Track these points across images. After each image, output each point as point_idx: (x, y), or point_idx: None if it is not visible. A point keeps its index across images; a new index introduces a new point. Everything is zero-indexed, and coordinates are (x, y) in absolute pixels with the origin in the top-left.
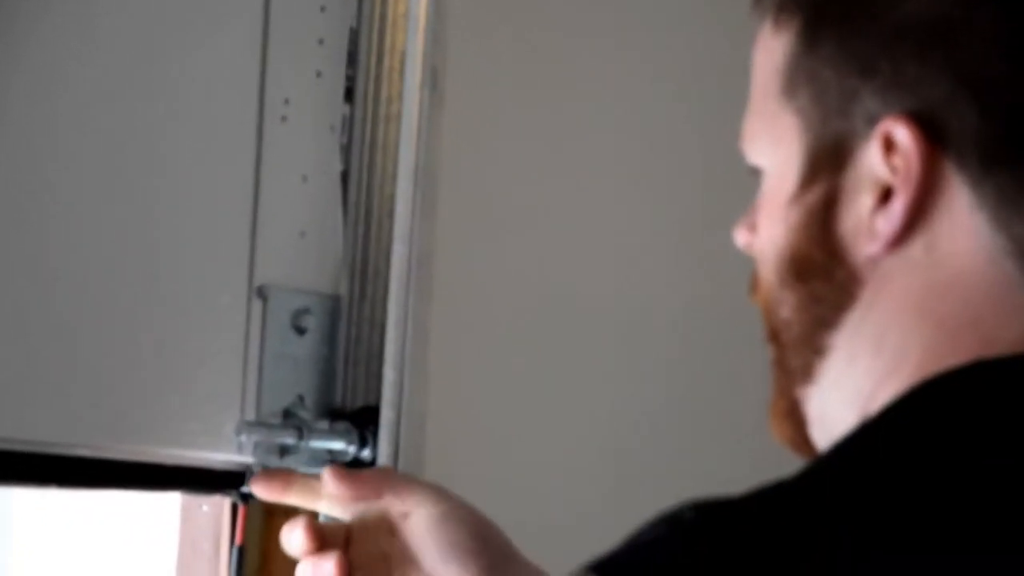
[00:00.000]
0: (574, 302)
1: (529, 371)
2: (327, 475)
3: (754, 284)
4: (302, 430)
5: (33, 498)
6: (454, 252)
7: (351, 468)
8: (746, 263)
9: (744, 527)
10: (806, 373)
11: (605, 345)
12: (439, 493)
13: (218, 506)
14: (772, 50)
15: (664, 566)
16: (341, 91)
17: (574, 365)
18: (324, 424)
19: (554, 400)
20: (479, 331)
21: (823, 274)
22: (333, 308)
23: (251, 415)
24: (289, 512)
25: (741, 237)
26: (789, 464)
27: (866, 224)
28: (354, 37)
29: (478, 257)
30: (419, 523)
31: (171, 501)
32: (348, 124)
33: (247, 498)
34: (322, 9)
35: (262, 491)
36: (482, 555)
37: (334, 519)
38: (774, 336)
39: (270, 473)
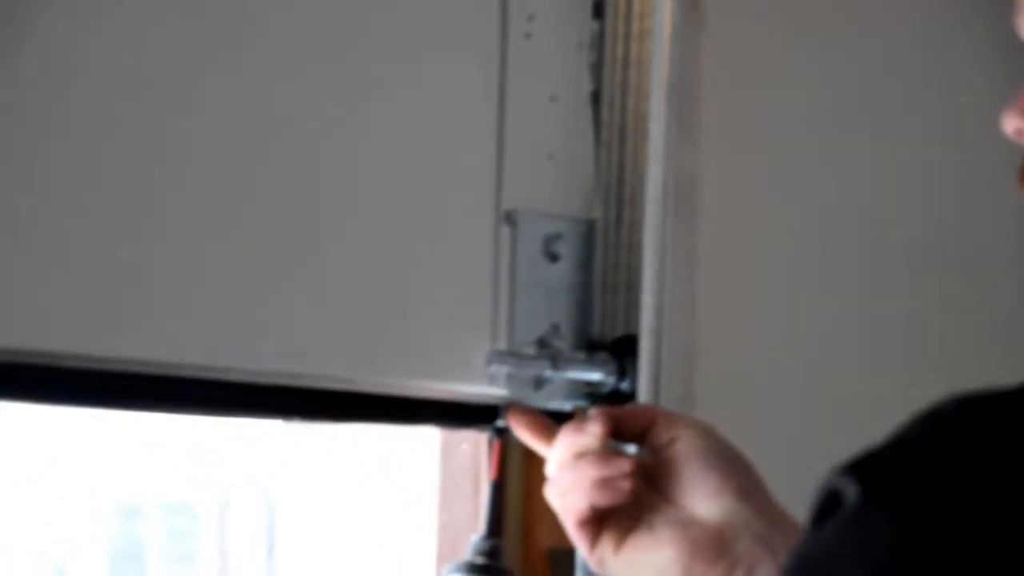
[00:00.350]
0: (848, 227)
1: (801, 300)
2: (593, 416)
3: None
4: (557, 360)
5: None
6: (722, 175)
7: (610, 401)
8: None
9: (1011, 420)
10: None
11: (877, 272)
12: (707, 427)
13: (477, 444)
14: None
15: (924, 463)
16: (589, 6)
17: (848, 293)
18: (580, 354)
19: (828, 332)
20: (749, 258)
21: None
22: (587, 233)
23: (503, 345)
24: None
25: (1010, 123)
26: None
27: None
28: None
29: (747, 180)
30: (682, 451)
31: (430, 439)
32: (597, 41)
33: (502, 432)
34: None
35: (519, 429)
36: (743, 488)
37: None
38: None
39: (528, 413)
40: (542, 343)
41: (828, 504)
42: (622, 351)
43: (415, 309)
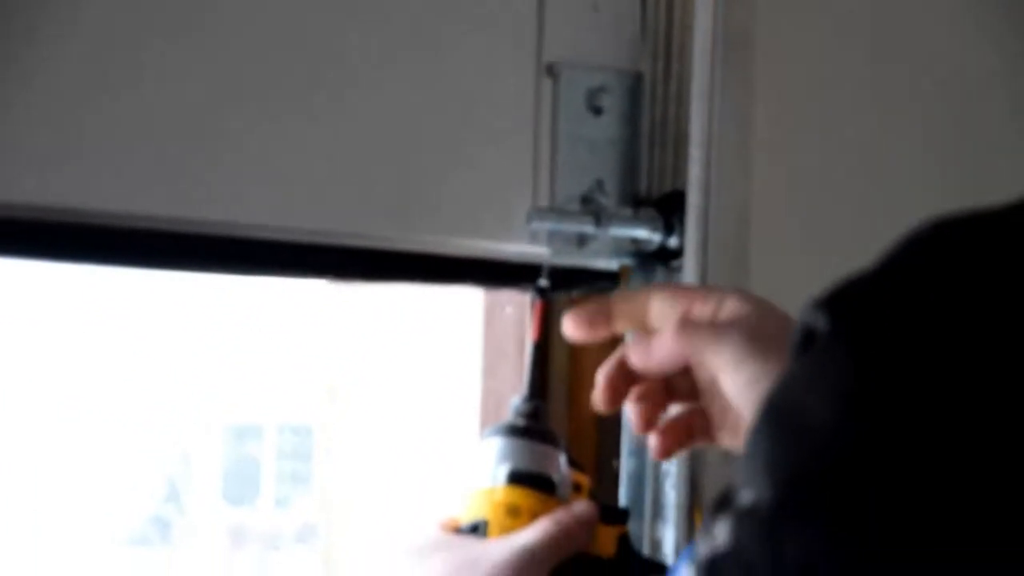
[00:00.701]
0: (908, 77)
1: (862, 153)
2: (657, 290)
3: None
4: (601, 217)
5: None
6: (779, 30)
7: (656, 259)
8: None
9: (986, 241)
10: None
11: (940, 128)
12: (750, 294)
13: (522, 307)
14: None
15: (892, 290)
16: None
17: (911, 149)
18: (626, 211)
19: (889, 185)
20: (806, 113)
21: None
22: (633, 86)
23: (545, 202)
24: None
25: None
26: None
27: None
28: None
29: (804, 36)
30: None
31: (474, 303)
32: None
33: (544, 292)
34: None
35: (579, 330)
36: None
37: None
38: None
39: (583, 308)
40: (585, 200)
41: (804, 339)
42: (670, 207)
43: (454, 165)
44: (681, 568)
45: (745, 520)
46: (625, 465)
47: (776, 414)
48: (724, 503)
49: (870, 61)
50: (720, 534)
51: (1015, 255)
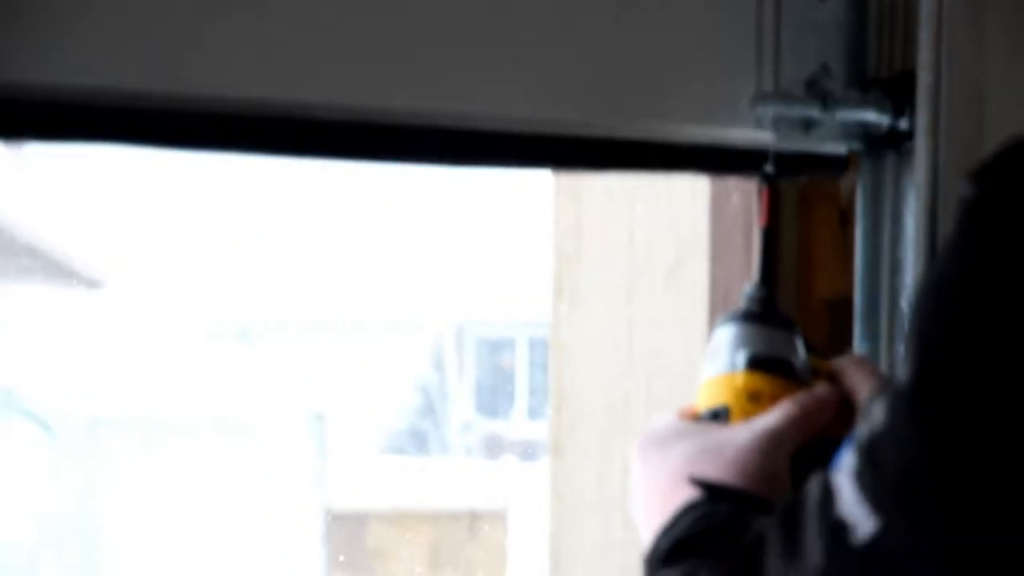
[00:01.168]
0: None
1: None
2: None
3: None
4: (827, 101)
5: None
6: None
7: (888, 142)
8: None
9: None
10: None
11: None
12: None
13: (748, 196)
14: None
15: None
16: None
17: None
18: (853, 94)
19: None
20: None
21: None
22: None
23: (769, 87)
24: (827, 194)
25: None
26: None
27: None
28: None
29: None
30: None
31: (700, 192)
32: None
33: (771, 178)
34: None
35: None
36: None
37: None
38: None
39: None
40: (811, 83)
41: (959, 209)
42: (899, 89)
43: (675, 51)
44: (844, 451)
45: (898, 399)
46: (858, 350)
47: (922, 291)
48: (884, 386)
49: None
50: (877, 414)
51: None
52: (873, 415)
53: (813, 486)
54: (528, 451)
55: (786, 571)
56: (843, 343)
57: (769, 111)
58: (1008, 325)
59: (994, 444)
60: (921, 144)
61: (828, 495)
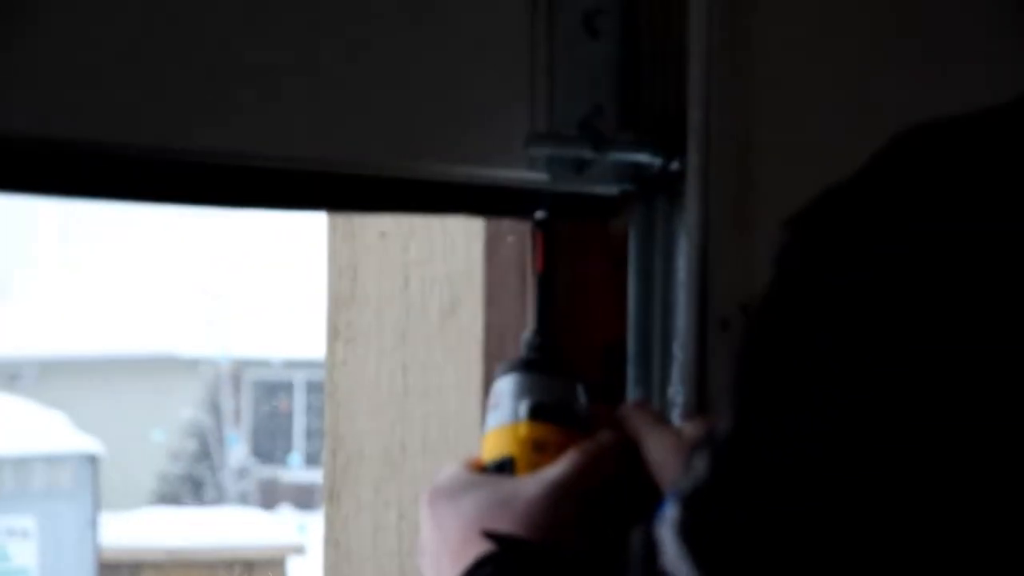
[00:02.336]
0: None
1: (865, 69)
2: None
3: None
4: (600, 141)
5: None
6: None
7: (658, 183)
8: None
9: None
10: None
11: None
12: None
13: (524, 238)
14: None
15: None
16: None
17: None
18: (626, 135)
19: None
20: (807, 28)
21: None
22: (631, 6)
23: (543, 127)
24: (597, 237)
25: None
26: None
27: None
28: None
29: None
30: None
31: (474, 234)
32: None
33: (545, 223)
34: None
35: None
36: None
37: None
38: None
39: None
40: (584, 124)
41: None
42: (671, 130)
43: (450, 91)
44: (667, 503)
45: (718, 453)
46: (631, 394)
47: (741, 338)
48: (707, 439)
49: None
50: (699, 467)
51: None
52: (695, 467)
53: (636, 541)
54: (305, 497)
55: None
56: (619, 387)
57: (542, 152)
58: (820, 375)
59: (812, 499)
60: (692, 186)
61: (651, 549)
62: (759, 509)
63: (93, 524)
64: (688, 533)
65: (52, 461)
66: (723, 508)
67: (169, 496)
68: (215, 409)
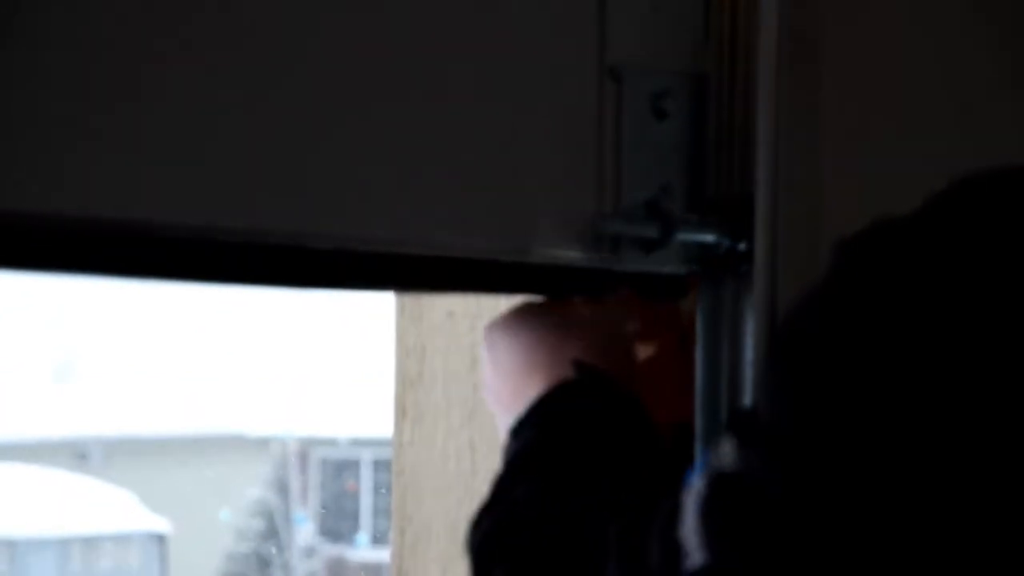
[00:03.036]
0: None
1: (934, 154)
2: None
3: None
4: (667, 222)
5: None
6: (845, 26)
7: (727, 263)
8: None
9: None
10: None
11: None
12: None
13: None
14: None
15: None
16: None
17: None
18: (693, 216)
19: None
20: (874, 112)
21: None
22: (698, 89)
23: (610, 208)
24: (668, 316)
25: None
26: None
27: None
28: None
29: (873, 37)
30: None
31: None
32: None
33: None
34: None
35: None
36: None
37: None
38: None
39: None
40: (651, 205)
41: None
42: (738, 212)
43: (516, 171)
44: (696, 472)
45: (754, 443)
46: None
47: (777, 342)
48: (735, 422)
49: (937, 59)
50: (727, 451)
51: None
52: (723, 451)
53: (667, 502)
54: None
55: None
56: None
57: (610, 231)
58: (865, 381)
59: (835, 512)
60: (759, 267)
61: (674, 514)
62: (776, 511)
63: None
64: (708, 512)
65: (120, 540)
66: (745, 500)
67: (238, 575)
68: (282, 488)
